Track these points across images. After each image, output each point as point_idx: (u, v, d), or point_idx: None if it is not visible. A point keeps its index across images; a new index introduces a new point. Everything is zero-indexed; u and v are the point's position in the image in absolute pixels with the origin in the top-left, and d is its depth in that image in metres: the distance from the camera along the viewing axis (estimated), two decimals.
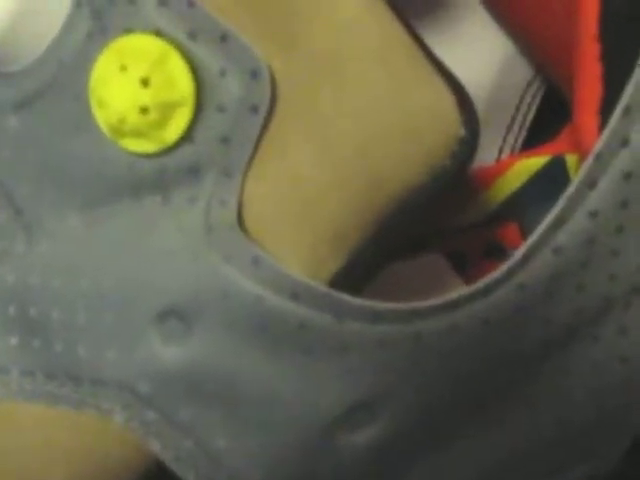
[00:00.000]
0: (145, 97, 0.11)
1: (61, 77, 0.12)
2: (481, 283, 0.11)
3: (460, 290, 0.11)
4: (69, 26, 0.12)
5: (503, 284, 0.11)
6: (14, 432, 0.13)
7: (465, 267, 0.14)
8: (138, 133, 0.11)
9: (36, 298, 0.12)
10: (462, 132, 0.12)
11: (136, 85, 0.11)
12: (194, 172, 0.11)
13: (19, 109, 0.13)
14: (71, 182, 0.12)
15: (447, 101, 0.12)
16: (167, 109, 0.11)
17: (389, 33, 0.12)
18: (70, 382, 0.12)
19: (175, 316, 0.12)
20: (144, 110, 0.11)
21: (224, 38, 0.11)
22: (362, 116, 0.11)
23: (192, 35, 0.11)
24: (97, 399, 0.12)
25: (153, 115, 0.11)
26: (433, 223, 0.14)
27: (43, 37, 0.12)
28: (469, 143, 0.12)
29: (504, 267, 0.11)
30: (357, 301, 0.11)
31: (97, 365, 0.12)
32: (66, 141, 0.12)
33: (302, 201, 0.12)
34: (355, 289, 0.12)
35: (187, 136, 0.11)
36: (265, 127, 0.11)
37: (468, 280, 0.14)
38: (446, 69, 0.12)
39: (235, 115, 0.11)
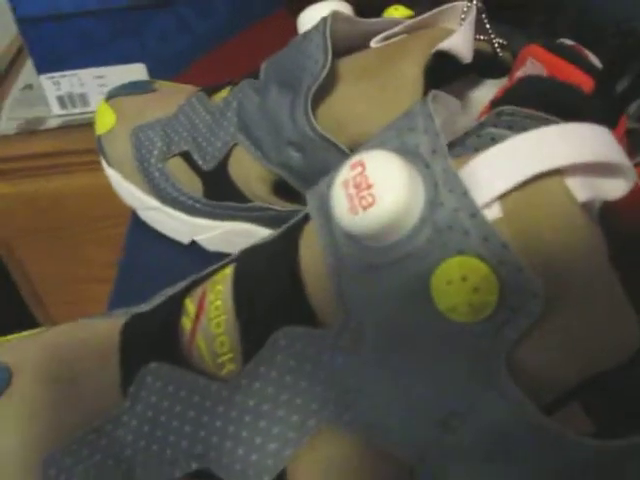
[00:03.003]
0: (474, 298, 0.17)
1: (409, 262, 0.18)
2: None
3: None
4: (415, 233, 0.18)
5: None
6: None
7: None
8: (462, 314, 0.17)
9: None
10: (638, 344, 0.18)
11: (470, 291, 0.17)
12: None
13: (373, 269, 0.19)
14: (397, 326, 0.19)
15: (636, 329, 0.18)
16: (483, 305, 0.17)
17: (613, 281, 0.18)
18: None
19: (454, 417, 0.18)
20: (471, 305, 0.17)
21: (520, 269, 0.17)
22: (592, 331, 0.18)
23: (500, 263, 0.17)
24: None
25: (475, 307, 0.17)
26: None
27: (397, 233, 0.18)
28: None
29: None
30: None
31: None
32: (405, 301, 0.18)
33: (549, 366, 0.18)
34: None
35: (488, 318, 0.17)
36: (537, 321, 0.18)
37: None
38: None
39: (520, 310, 0.17)
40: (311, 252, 0.22)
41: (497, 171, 0.19)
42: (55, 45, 0.60)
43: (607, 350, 0.18)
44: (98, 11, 0.58)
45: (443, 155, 0.19)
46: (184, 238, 0.40)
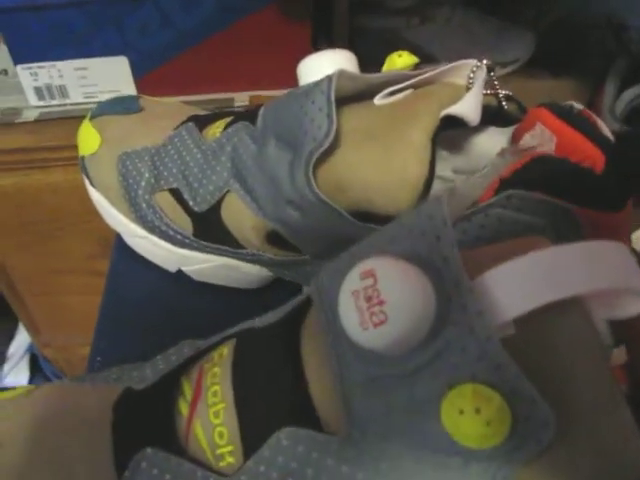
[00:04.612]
0: (487, 431, 0.17)
1: (418, 378, 0.18)
2: None
3: None
4: (425, 347, 0.18)
5: None
6: None
7: None
8: (473, 442, 0.17)
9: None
10: None
11: (484, 424, 0.17)
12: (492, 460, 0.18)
13: (378, 380, 0.19)
14: (403, 440, 0.18)
15: None
16: (495, 434, 0.17)
17: (622, 405, 0.18)
18: None
19: None
20: (483, 436, 0.17)
21: (532, 399, 0.17)
22: (601, 458, 0.18)
23: (513, 392, 0.17)
24: None
25: (487, 438, 0.17)
26: None
27: (406, 346, 0.18)
28: None
29: None
30: None
31: None
32: (412, 419, 0.18)
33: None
34: None
35: (499, 445, 0.17)
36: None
37: None
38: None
39: (530, 437, 0.17)
40: (314, 349, 0.22)
41: (513, 293, 0.18)
42: (33, 36, 0.57)
43: (615, 477, 0.18)
44: (79, 2, 0.56)
45: (456, 266, 0.18)
46: (171, 267, 0.39)
